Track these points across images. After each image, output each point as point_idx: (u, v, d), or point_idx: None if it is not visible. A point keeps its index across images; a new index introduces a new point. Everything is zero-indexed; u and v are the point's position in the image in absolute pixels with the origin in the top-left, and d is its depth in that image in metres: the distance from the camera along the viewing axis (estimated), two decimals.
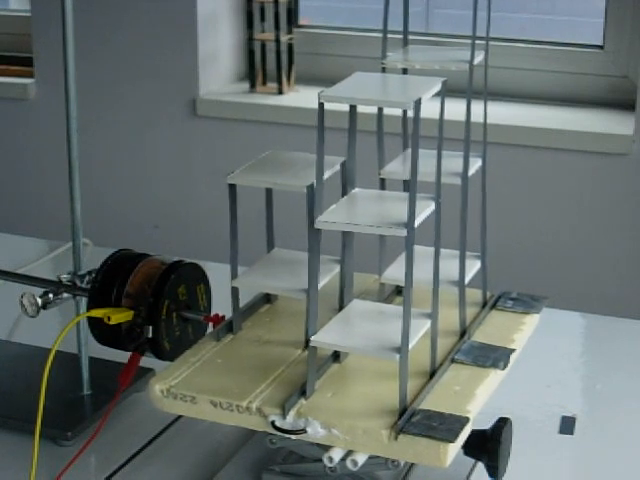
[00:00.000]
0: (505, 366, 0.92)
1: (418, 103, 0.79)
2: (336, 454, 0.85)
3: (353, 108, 0.87)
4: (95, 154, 2.42)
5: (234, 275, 0.92)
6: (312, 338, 0.84)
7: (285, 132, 2.25)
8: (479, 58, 0.95)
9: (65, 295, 1.05)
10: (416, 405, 0.84)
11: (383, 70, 0.96)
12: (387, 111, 0.92)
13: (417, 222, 0.81)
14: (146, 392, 0.92)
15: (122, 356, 1.02)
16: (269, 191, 0.94)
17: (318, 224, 0.82)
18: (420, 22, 2.74)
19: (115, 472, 0.99)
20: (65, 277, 1.06)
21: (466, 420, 0.83)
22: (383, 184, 0.97)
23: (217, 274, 1.11)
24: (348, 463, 0.85)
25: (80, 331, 1.08)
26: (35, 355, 1.14)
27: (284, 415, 0.84)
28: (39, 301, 1.03)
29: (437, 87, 0.84)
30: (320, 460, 0.86)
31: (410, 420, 0.82)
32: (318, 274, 0.85)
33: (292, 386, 0.88)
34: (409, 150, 0.88)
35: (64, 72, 1.05)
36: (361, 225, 0.81)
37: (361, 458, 0.85)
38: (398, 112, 0.92)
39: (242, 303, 0.98)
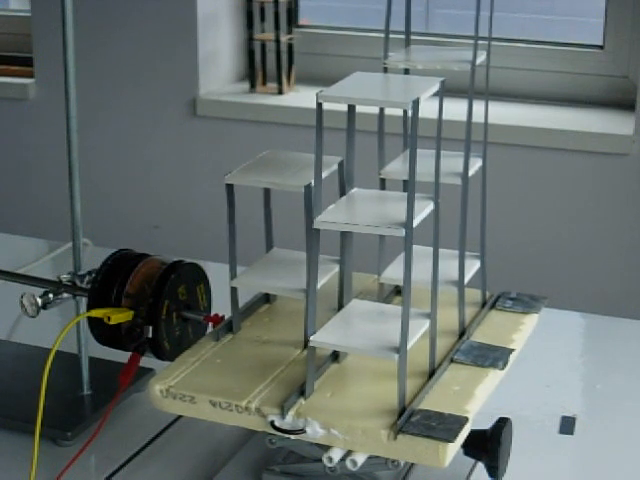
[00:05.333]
0: (504, 366, 0.92)
1: (416, 103, 0.79)
2: (336, 454, 0.85)
3: (352, 108, 0.87)
4: (95, 154, 2.42)
5: (233, 275, 0.92)
6: (311, 338, 0.84)
7: (285, 132, 2.25)
8: (481, 58, 0.95)
9: (65, 295, 1.05)
10: (415, 405, 0.84)
11: (385, 70, 0.96)
12: (388, 111, 0.93)
13: (415, 222, 0.81)
14: (146, 392, 0.92)
15: (122, 356, 1.02)
16: (267, 191, 0.94)
17: (317, 224, 0.82)
18: (420, 22, 2.74)
19: (115, 472, 0.99)
20: (65, 277, 1.06)
21: (465, 420, 0.83)
22: (383, 184, 0.97)
23: (217, 274, 1.11)
24: (348, 463, 0.85)
25: (80, 331, 1.08)
26: (35, 355, 1.14)
27: (283, 415, 0.84)
28: (39, 301, 1.03)
29: (435, 87, 0.84)
30: (320, 460, 0.86)
31: (409, 420, 0.82)
32: (317, 274, 0.85)
33: (291, 386, 0.88)
34: (409, 150, 0.88)
35: (64, 72, 1.05)
36: (360, 225, 0.82)
37: (360, 458, 0.85)
38: (399, 112, 0.92)
39: (241, 303, 0.98)
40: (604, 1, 2.19)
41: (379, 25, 0.98)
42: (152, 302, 0.98)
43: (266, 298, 1.03)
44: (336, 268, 0.93)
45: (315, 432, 0.84)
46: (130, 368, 1.00)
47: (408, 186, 0.80)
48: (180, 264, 1.01)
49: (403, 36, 0.99)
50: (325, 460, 0.85)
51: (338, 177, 0.90)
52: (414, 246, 0.82)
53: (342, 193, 0.89)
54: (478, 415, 0.86)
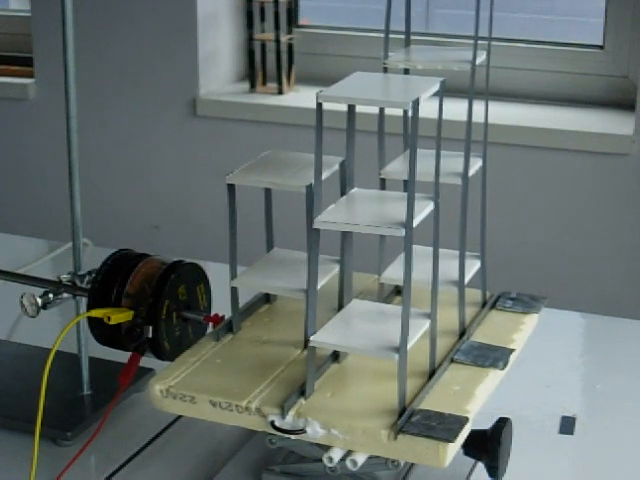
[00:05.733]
0: (504, 366, 0.92)
1: (416, 103, 0.79)
2: (336, 454, 0.85)
3: (352, 108, 0.87)
4: (95, 154, 2.42)
5: (233, 275, 0.92)
6: (311, 338, 0.84)
7: (285, 132, 2.25)
8: (481, 58, 0.95)
9: (65, 295, 1.05)
10: (415, 405, 0.84)
11: (385, 70, 0.96)
12: (388, 111, 0.93)
13: (415, 222, 0.81)
14: (146, 392, 0.92)
15: (122, 356, 1.02)
16: (268, 191, 0.94)
17: (317, 224, 0.82)
18: (420, 22, 2.74)
19: (115, 472, 0.99)
20: (65, 277, 1.06)
21: (465, 420, 0.83)
22: (383, 184, 0.97)
23: (217, 274, 1.11)
24: (348, 463, 0.85)
25: (80, 331, 1.08)
26: (35, 355, 1.14)
27: (283, 415, 0.84)
28: (39, 301, 1.03)
29: (435, 87, 0.84)
30: (320, 460, 0.86)
31: (409, 420, 0.82)
32: (317, 274, 0.85)
33: (291, 386, 0.88)
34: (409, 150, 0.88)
35: (64, 72, 1.05)
36: (360, 225, 0.82)
37: (361, 458, 0.85)
38: (399, 112, 0.92)
39: (242, 303, 0.98)
40: (604, 1, 2.19)
41: (379, 25, 0.98)
42: (152, 302, 0.98)
43: (266, 298, 1.03)
44: (336, 268, 0.93)
45: (315, 432, 0.84)
46: (130, 368, 1.00)
47: (408, 186, 0.80)
48: (180, 264, 1.01)
49: (403, 36, 0.99)
50: (325, 460, 0.85)
51: (339, 177, 0.90)
52: (414, 246, 0.82)
53: (343, 193, 0.89)
54: (478, 415, 0.86)
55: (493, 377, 0.91)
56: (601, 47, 2.22)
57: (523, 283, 1.65)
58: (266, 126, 2.28)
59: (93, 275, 1.03)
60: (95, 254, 1.21)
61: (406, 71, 0.97)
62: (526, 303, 1.04)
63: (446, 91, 0.85)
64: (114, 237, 2.10)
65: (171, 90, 2.36)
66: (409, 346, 0.82)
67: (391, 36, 0.97)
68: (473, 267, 0.99)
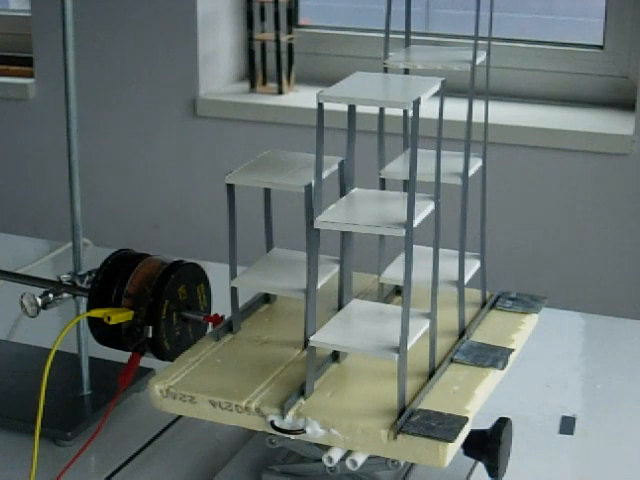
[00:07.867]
0: (504, 366, 0.92)
1: (417, 103, 0.79)
2: (336, 454, 0.85)
3: (352, 108, 0.87)
4: (95, 154, 2.43)
5: (233, 275, 0.92)
6: (311, 338, 0.84)
7: (285, 132, 2.25)
8: (481, 58, 0.95)
9: (65, 295, 1.05)
10: (415, 405, 0.84)
11: (385, 70, 0.96)
12: (388, 111, 0.93)
13: (416, 222, 0.81)
14: (146, 392, 0.92)
15: (122, 356, 1.02)
16: (268, 191, 0.94)
17: (317, 224, 0.82)
18: (420, 22, 2.74)
19: (115, 472, 0.99)
20: (65, 277, 1.06)
21: (465, 420, 0.83)
22: (383, 184, 0.97)
23: (217, 274, 1.11)
24: (348, 463, 0.85)
25: (80, 331, 1.09)
26: (35, 355, 1.14)
27: (283, 415, 0.84)
28: (39, 301, 1.03)
29: (436, 87, 0.84)
30: (320, 460, 0.86)
31: (409, 420, 0.82)
32: (317, 274, 0.85)
33: (291, 386, 0.88)
34: (409, 150, 0.88)
35: (64, 72, 1.05)
36: (360, 225, 0.82)
37: (360, 458, 0.85)
38: (399, 112, 0.92)
39: (241, 303, 0.98)
40: (604, 1, 2.19)
41: (379, 25, 0.98)
42: (152, 302, 0.98)
43: (266, 298, 1.03)
44: (336, 268, 0.93)
45: (315, 432, 0.84)
46: (130, 368, 1.00)
47: (409, 186, 0.80)
48: (180, 264, 1.01)
49: (403, 36, 0.99)
50: (325, 460, 0.85)
51: (339, 177, 0.90)
52: (414, 246, 0.82)
53: (342, 193, 0.89)
54: (478, 415, 0.86)
55: (493, 377, 0.91)
56: (601, 47, 2.22)
57: (523, 283, 1.65)
58: (266, 126, 2.29)
59: (93, 275, 1.03)
60: (95, 254, 1.21)
61: (406, 71, 0.97)
62: (526, 303, 1.04)
63: (446, 91, 0.85)
64: (114, 237, 2.10)
65: (171, 90, 2.36)
66: (409, 346, 0.82)
67: (391, 36, 0.97)
68: (473, 267, 0.99)
